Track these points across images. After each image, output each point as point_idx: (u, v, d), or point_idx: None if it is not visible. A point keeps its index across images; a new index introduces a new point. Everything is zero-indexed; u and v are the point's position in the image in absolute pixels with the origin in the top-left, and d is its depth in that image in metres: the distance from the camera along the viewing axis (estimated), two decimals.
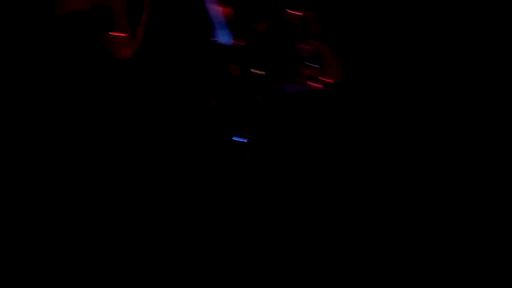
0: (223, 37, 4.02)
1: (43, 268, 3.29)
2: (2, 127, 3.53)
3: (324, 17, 3.67)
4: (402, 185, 3.57)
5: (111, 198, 3.51)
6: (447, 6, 3.74)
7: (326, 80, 3.60)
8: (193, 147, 3.70)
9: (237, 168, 3.69)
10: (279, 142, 3.72)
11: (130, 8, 3.81)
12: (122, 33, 3.86)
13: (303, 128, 3.73)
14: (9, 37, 3.62)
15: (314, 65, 3.74)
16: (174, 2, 3.89)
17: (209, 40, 3.82)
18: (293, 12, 3.81)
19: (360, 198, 3.60)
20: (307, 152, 3.71)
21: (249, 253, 3.46)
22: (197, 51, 3.72)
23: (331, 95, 3.67)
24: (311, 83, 3.74)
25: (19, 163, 3.50)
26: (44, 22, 3.76)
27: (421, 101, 3.71)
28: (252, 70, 3.73)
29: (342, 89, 3.65)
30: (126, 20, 3.85)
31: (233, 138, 3.69)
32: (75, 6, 3.72)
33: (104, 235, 3.43)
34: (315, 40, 3.66)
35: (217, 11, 4.06)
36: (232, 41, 3.86)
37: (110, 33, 3.87)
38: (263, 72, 3.72)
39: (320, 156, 3.70)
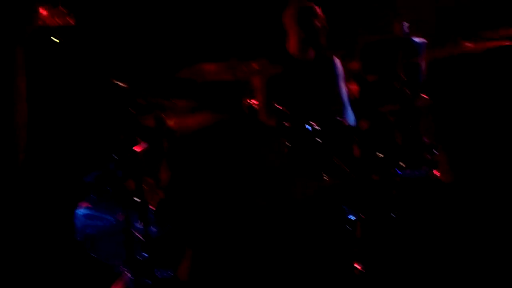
0: (349, 117, 4.08)
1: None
2: None
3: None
4: None
5: None
6: None
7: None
8: (306, 219, 3.75)
9: (346, 244, 3.67)
10: (390, 224, 3.65)
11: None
12: (258, 102, 4.12)
13: (415, 215, 3.63)
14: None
15: (436, 153, 3.65)
16: (305, 78, 4.06)
17: (335, 119, 3.89)
18: (424, 97, 3.77)
19: None
20: (412, 237, 3.59)
21: None
22: (320, 126, 3.77)
23: (445, 189, 3.55)
24: (432, 171, 3.65)
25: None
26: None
27: None
28: (371, 151, 3.73)
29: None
30: (263, 93, 4.11)
31: (346, 215, 3.68)
32: (220, 76, 4.00)
33: None
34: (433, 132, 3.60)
35: (346, 90, 4.14)
36: (356, 121, 3.90)
37: (248, 101, 4.14)
38: (381, 155, 3.70)
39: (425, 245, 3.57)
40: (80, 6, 4.14)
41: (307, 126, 3.62)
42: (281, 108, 3.75)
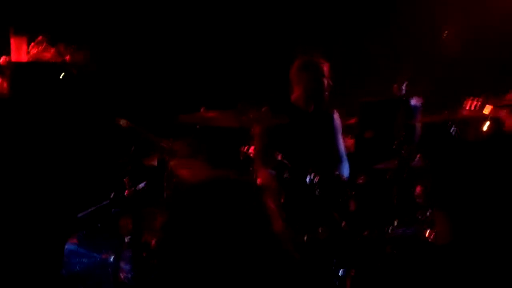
0: (345, 169, 4.16)
1: None
2: None
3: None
4: None
5: None
6: None
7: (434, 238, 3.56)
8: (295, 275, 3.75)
9: None
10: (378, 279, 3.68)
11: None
12: (255, 150, 4.19)
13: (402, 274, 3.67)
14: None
15: (429, 211, 3.73)
16: (304, 130, 4.14)
17: (332, 172, 3.96)
18: (420, 157, 3.87)
19: None
20: None
21: None
22: (319, 179, 3.81)
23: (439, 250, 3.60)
24: (425, 231, 3.72)
25: None
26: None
27: None
28: (365, 207, 3.79)
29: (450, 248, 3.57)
30: (261, 142, 4.18)
31: (333, 270, 3.70)
32: (227, 123, 4.08)
33: None
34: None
35: (343, 143, 4.24)
36: (351, 174, 3.98)
37: (245, 149, 4.21)
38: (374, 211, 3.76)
39: None
40: (87, 45, 4.21)
41: (307, 178, 3.68)
42: (281, 158, 3.81)
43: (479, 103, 3.92)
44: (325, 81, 4.13)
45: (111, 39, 4.85)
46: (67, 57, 4.15)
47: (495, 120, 4.15)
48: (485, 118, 4.04)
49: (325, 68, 4.14)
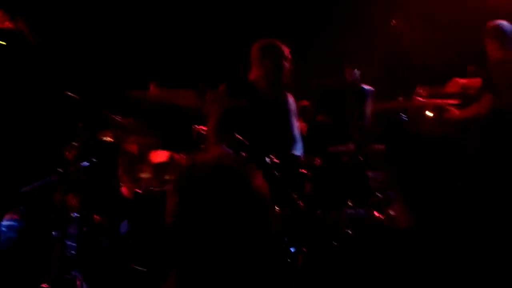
0: (299, 151, 4.22)
1: None
2: None
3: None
4: None
5: None
6: None
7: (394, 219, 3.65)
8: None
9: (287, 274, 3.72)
10: (330, 257, 3.75)
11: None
12: (208, 129, 4.18)
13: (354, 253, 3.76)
14: None
15: (380, 196, 3.84)
16: (260, 111, 4.16)
17: (287, 154, 4.01)
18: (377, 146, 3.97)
19: None
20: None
21: None
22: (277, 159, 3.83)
23: (392, 232, 3.71)
24: (375, 214, 3.82)
25: None
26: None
27: None
28: (321, 188, 3.86)
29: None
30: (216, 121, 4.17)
31: (287, 247, 3.75)
32: (179, 100, 4.02)
33: None
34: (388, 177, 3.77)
35: (298, 126, 4.30)
36: (306, 156, 4.05)
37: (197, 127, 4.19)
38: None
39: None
40: (40, 13, 4.04)
41: (266, 158, 3.70)
42: (240, 138, 3.81)
43: (428, 92, 4.08)
44: (286, 65, 4.15)
45: (57, 8, 4.67)
46: (6, 25, 3.97)
47: (439, 108, 4.34)
48: (432, 106, 4.21)
49: (286, 51, 4.15)
